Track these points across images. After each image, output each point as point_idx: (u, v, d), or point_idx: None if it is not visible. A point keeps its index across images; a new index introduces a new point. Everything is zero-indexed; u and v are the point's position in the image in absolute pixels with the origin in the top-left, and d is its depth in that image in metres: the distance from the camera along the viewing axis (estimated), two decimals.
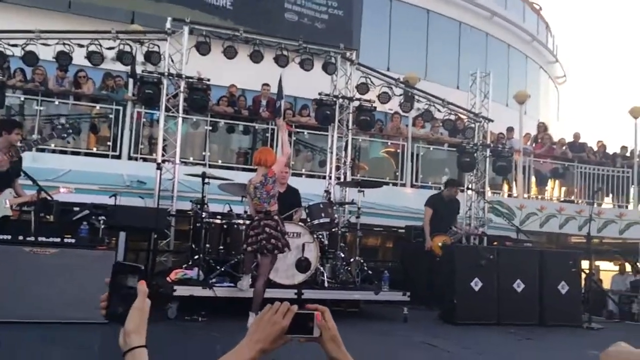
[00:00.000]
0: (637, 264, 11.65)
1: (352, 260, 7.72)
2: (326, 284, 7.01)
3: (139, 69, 8.74)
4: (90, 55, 8.23)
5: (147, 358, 1.14)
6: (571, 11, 55.10)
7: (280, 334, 1.20)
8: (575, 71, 54.40)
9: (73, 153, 9.13)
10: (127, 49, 8.28)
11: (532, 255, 7.63)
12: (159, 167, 7.87)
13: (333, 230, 7.55)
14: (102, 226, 6.19)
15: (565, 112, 23.46)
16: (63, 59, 8.23)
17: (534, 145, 13.03)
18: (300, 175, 9.94)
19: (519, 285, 7.25)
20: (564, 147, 13.11)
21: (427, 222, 8.35)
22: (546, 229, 12.00)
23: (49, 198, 6.03)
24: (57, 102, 9.27)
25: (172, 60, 8.54)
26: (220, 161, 9.90)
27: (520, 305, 7.19)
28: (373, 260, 10.03)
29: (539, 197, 12.78)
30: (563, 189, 13.21)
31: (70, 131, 5.11)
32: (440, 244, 8.11)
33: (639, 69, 55.29)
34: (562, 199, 12.97)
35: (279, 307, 1.23)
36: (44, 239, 5.46)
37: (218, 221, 7.18)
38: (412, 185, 11.02)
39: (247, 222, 7.08)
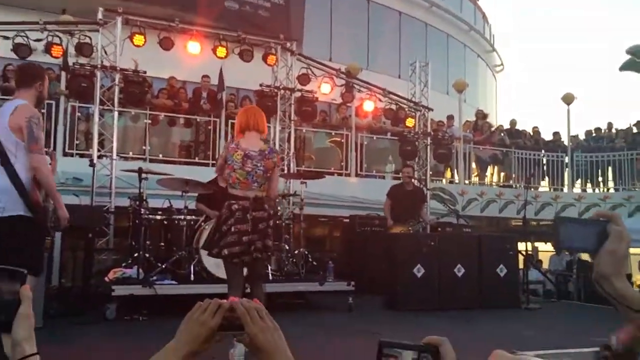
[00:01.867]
0: None
1: (296, 252, 7.72)
2: (271, 277, 6.98)
3: (70, 61, 8.40)
4: (17, 48, 7.85)
5: None
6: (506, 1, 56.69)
7: (210, 334, 1.11)
8: (512, 60, 56.20)
9: None
10: (57, 40, 7.94)
11: (471, 240, 7.85)
12: (91, 164, 7.60)
13: (277, 222, 7.51)
14: None
15: (503, 100, 24.20)
16: None
17: (473, 132, 13.38)
18: None
19: (459, 270, 7.44)
20: (502, 134, 13.55)
21: (386, 211, 8.34)
22: (487, 214, 12.39)
23: None
24: None
25: (106, 52, 8.25)
26: (161, 155, 9.67)
27: (461, 289, 7.37)
28: (319, 251, 10.06)
29: (479, 182, 13.16)
30: (502, 174, 13.67)
31: None
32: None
33: (570, 57, 57.64)
34: (501, 184, 13.41)
35: (208, 305, 1.14)
36: None
37: (158, 217, 7.03)
38: (357, 175, 11.12)
39: (195, 217, 6.91)
